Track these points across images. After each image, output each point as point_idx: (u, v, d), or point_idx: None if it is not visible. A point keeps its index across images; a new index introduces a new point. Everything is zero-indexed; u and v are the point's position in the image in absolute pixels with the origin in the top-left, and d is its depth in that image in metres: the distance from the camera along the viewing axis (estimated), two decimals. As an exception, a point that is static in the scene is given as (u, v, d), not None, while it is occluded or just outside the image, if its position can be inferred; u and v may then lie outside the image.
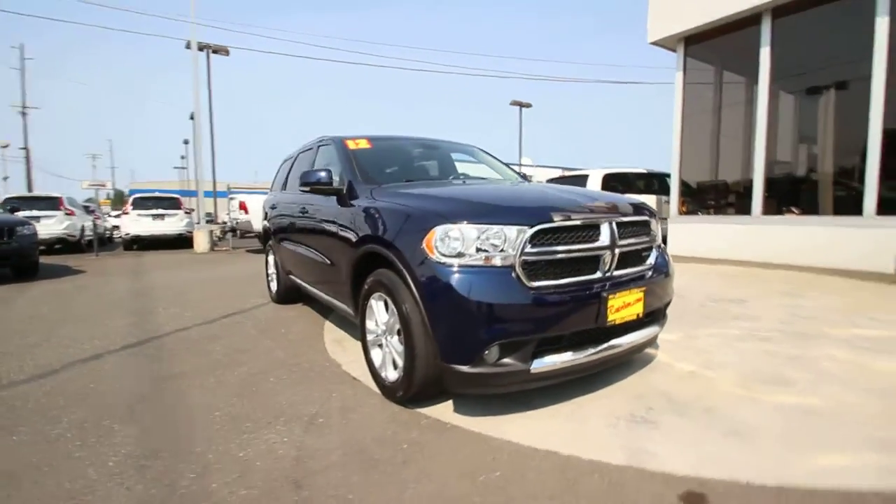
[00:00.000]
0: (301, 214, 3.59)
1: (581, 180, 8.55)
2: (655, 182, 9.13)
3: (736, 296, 4.48)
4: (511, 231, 1.94)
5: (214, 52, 14.05)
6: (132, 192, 32.26)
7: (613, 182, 8.45)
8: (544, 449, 1.84)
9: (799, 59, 6.80)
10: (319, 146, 3.80)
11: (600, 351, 2.12)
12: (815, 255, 5.99)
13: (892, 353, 2.83)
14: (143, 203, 12.25)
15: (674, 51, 8.00)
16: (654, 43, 8.03)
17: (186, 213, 12.59)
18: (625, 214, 2.29)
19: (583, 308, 2.01)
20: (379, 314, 2.38)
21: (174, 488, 1.62)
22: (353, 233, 2.62)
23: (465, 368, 1.91)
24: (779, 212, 6.78)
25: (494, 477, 1.67)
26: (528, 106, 26.12)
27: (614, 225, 2.18)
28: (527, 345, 1.93)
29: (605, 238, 2.14)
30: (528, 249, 1.94)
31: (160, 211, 12.17)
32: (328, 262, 3.07)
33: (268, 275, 5.08)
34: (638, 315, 2.20)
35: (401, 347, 2.17)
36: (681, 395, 2.30)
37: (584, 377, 2.31)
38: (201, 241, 11.52)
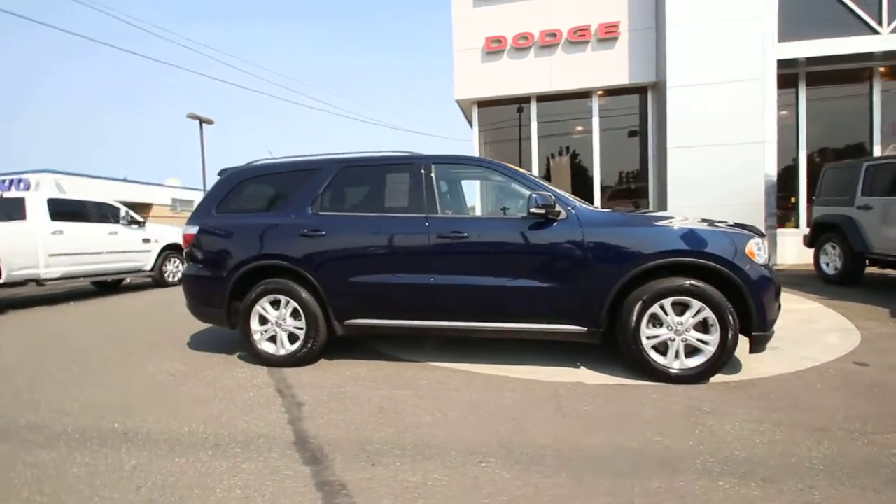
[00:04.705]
0: (452, 240, 3.16)
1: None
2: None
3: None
4: (764, 242, 3.06)
5: None
6: None
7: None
8: (793, 371, 3.06)
9: (556, 128, 10.30)
10: (428, 164, 3.42)
11: None
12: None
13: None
14: None
15: (468, 112, 10.31)
16: (457, 101, 10.07)
17: None
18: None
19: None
20: (670, 317, 2.90)
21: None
22: (624, 251, 2.94)
23: (767, 333, 2.89)
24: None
25: (810, 383, 2.77)
26: (210, 122, 23.85)
27: None
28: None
29: None
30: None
31: None
32: (544, 285, 3.05)
33: (251, 333, 3.57)
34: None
35: (707, 336, 2.87)
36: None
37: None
38: None
